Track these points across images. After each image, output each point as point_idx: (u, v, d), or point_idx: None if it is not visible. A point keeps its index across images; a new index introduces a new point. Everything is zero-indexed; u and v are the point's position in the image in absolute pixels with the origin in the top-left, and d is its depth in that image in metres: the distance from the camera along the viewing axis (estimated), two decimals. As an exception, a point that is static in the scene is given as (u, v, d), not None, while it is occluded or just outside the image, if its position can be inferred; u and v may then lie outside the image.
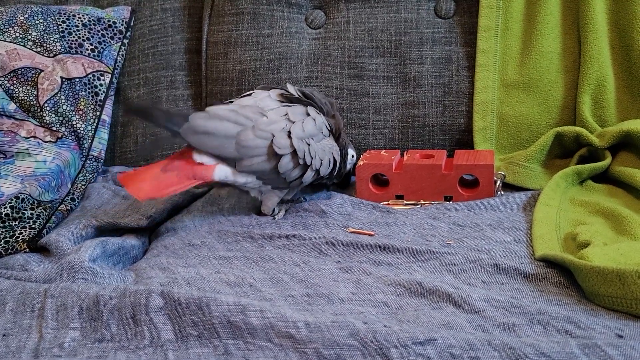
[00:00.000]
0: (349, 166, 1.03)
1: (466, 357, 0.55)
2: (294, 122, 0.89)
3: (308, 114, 0.91)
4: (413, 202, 0.98)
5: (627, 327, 0.60)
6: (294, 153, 0.88)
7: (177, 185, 0.85)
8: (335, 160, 0.94)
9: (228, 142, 0.86)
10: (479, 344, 0.56)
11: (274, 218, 0.93)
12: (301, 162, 0.89)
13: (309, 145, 0.90)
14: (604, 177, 1.00)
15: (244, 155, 0.87)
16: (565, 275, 0.70)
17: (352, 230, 0.86)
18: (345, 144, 0.99)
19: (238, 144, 0.86)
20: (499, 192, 0.98)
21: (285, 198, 0.95)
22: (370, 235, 0.84)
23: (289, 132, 0.88)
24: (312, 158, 0.90)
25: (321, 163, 0.91)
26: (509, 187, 1.00)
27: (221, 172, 0.87)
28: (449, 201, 0.97)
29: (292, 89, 0.93)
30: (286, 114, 0.89)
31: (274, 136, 0.87)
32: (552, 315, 0.61)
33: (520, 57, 1.11)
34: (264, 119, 0.88)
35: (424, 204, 0.97)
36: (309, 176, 0.92)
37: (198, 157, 0.86)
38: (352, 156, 1.02)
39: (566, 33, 1.10)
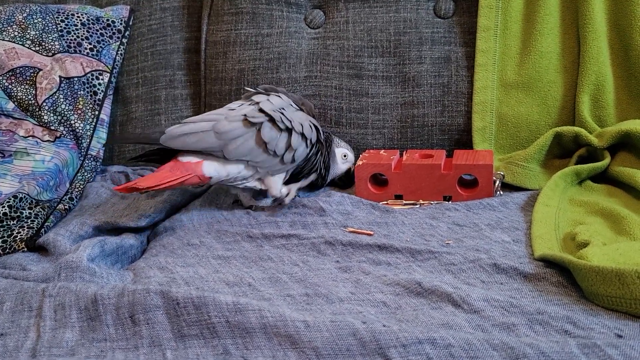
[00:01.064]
0: (343, 166, 1.03)
1: (465, 356, 0.55)
2: (261, 101, 0.93)
3: (279, 95, 0.96)
4: (412, 201, 0.98)
5: (627, 326, 0.60)
6: (272, 121, 0.90)
7: (171, 178, 0.86)
8: (316, 127, 0.95)
9: (206, 135, 0.88)
10: (478, 344, 0.56)
11: (284, 202, 0.94)
12: (282, 126, 0.90)
13: (282, 112, 0.92)
14: (603, 177, 1.00)
15: (226, 140, 0.88)
16: (565, 275, 0.70)
17: (351, 229, 0.86)
18: (329, 141, 1.01)
19: (216, 133, 0.88)
20: (498, 192, 0.98)
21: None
22: (369, 235, 0.84)
23: (260, 109, 0.91)
24: (290, 121, 0.91)
25: (302, 126, 0.92)
26: (508, 187, 1.00)
27: (210, 166, 0.89)
28: (448, 201, 0.97)
29: (250, 89, 0.98)
30: (251, 100, 0.94)
31: (246, 114, 0.90)
32: (551, 315, 0.61)
33: (519, 57, 1.11)
34: (231, 110, 0.92)
35: (423, 203, 0.97)
36: (297, 141, 0.92)
37: (183, 158, 0.89)
38: (345, 155, 1.02)
39: (565, 33, 1.10)
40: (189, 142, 0.88)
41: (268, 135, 0.90)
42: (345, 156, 1.03)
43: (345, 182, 1.05)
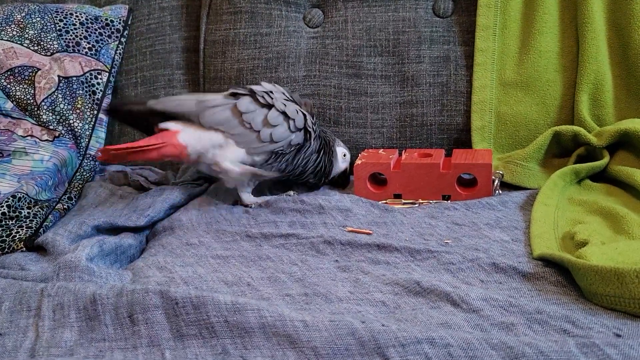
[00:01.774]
0: (342, 165, 1.03)
1: (464, 356, 0.55)
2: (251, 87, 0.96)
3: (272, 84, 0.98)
4: (411, 201, 0.98)
5: (626, 326, 0.60)
6: (254, 97, 0.92)
7: (145, 143, 0.89)
8: (305, 115, 0.95)
9: (188, 102, 0.92)
10: (477, 343, 0.56)
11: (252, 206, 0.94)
12: (262, 100, 0.92)
13: (268, 92, 0.94)
14: (601, 176, 1.00)
15: (204, 107, 0.91)
16: (563, 275, 0.70)
17: (351, 229, 0.86)
18: (329, 141, 1.01)
19: (197, 101, 0.92)
20: (497, 191, 0.98)
21: (266, 174, 0.96)
22: (368, 234, 0.84)
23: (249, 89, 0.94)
24: (272, 99, 0.93)
25: (285, 106, 0.93)
26: (507, 186, 1.00)
27: (186, 135, 0.91)
28: (447, 200, 0.97)
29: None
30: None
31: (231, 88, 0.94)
32: (550, 315, 0.61)
33: (518, 56, 1.11)
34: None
35: (422, 203, 0.97)
36: (276, 118, 0.92)
37: (163, 124, 0.92)
38: (344, 155, 1.03)
39: (564, 32, 1.10)
40: (169, 105, 0.92)
41: (245, 106, 0.91)
42: (344, 155, 1.03)
43: (340, 182, 1.05)
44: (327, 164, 1.00)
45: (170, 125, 0.92)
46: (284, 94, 0.97)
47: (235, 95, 0.93)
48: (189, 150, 0.91)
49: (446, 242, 0.80)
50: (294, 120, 0.93)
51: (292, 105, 0.95)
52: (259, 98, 0.92)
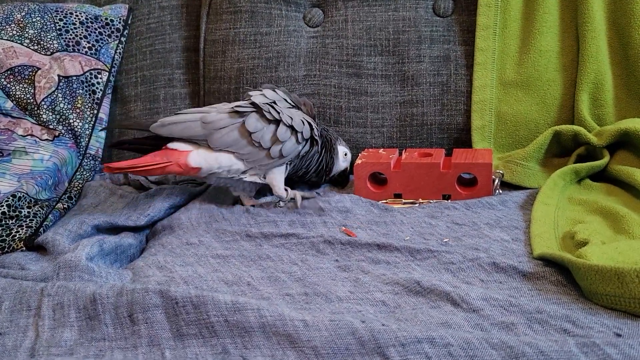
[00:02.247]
0: (343, 164, 1.03)
1: (464, 356, 0.55)
2: (253, 95, 0.94)
3: (274, 90, 0.97)
4: (411, 200, 0.98)
5: (626, 325, 0.60)
6: (260, 113, 0.91)
7: (148, 162, 0.89)
8: (310, 124, 0.95)
9: (193, 124, 0.90)
10: (477, 343, 0.56)
11: (287, 200, 0.94)
12: (269, 116, 0.91)
13: (272, 105, 0.92)
14: (602, 176, 1.00)
15: (211, 130, 0.90)
16: (564, 274, 0.70)
17: (344, 229, 0.86)
18: (332, 139, 1.01)
19: (203, 122, 0.90)
20: (497, 191, 0.98)
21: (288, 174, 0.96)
22: (354, 236, 0.83)
23: (251, 102, 0.93)
24: (279, 113, 0.91)
25: (292, 119, 0.92)
26: (507, 185, 1.00)
27: (197, 156, 0.90)
28: (447, 200, 0.97)
29: (251, 88, 1.01)
30: (248, 98, 0.95)
31: (234, 106, 0.92)
32: (550, 314, 0.61)
33: (518, 55, 1.11)
34: (225, 105, 0.94)
35: (422, 202, 0.97)
36: (285, 134, 0.91)
37: (172, 145, 0.91)
38: (345, 154, 1.03)
39: (564, 32, 1.10)
40: (175, 130, 0.90)
41: (253, 125, 0.90)
42: (345, 155, 1.03)
43: (339, 181, 1.05)
44: (329, 161, 1.00)
45: (180, 146, 0.91)
46: (285, 100, 0.96)
47: (239, 113, 0.91)
48: (203, 172, 0.92)
49: (445, 241, 0.80)
50: (301, 133, 0.93)
51: (297, 115, 0.94)
52: (266, 114, 0.91)
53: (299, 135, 0.92)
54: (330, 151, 1.00)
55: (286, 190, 0.95)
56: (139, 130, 0.95)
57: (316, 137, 0.96)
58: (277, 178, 0.94)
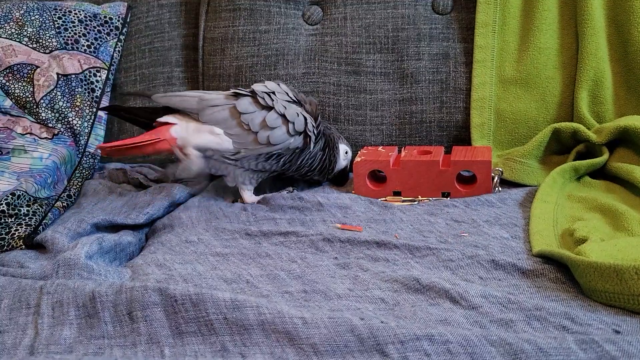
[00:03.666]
0: (343, 162, 1.03)
1: (463, 353, 0.55)
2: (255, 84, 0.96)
3: (277, 83, 0.98)
4: (410, 198, 0.98)
5: (624, 322, 0.60)
6: (255, 98, 0.93)
7: (141, 139, 0.93)
8: (305, 118, 0.95)
9: (191, 99, 0.93)
10: (476, 340, 0.56)
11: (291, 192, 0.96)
12: (262, 102, 0.92)
13: (269, 93, 0.94)
14: (601, 173, 1.00)
15: (205, 105, 0.92)
16: (563, 271, 0.70)
17: (342, 226, 0.86)
18: (334, 138, 1.01)
19: (199, 99, 0.93)
20: (496, 189, 0.98)
21: (265, 170, 0.96)
22: (359, 230, 0.84)
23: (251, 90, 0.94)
24: (273, 101, 0.93)
25: (285, 109, 0.93)
26: (506, 183, 1.00)
27: (179, 128, 0.92)
28: (447, 197, 0.97)
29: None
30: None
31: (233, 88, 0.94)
32: (549, 311, 0.61)
33: (517, 53, 1.11)
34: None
35: (421, 200, 0.97)
36: (275, 121, 0.92)
37: (163, 118, 0.94)
38: (346, 152, 1.03)
39: (564, 29, 1.10)
40: (173, 100, 0.94)
41: (244, 107, 0.92)
42: (346, 153, 1.04)
43: (339, 179, 1.05)
44: (332, 160, 1.00)
45: (168, 118, 0.93)
46: (287, 94, 0.96)
47: (236, 96, 0.94)
48: (178, 141, 0.93)
49: (462, 235, 0.80)
50: (293, 123, 0.93)
51: (294, 107, 0.95)
52: (259, 99, 0.92)
53: (291, 125, 0.92)
54: (333, 149, 1.00)
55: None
56: (142, 96, 0.99)
57: (310, 133, 0.95)
58: (245, 194, 0.97)
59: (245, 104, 0.92)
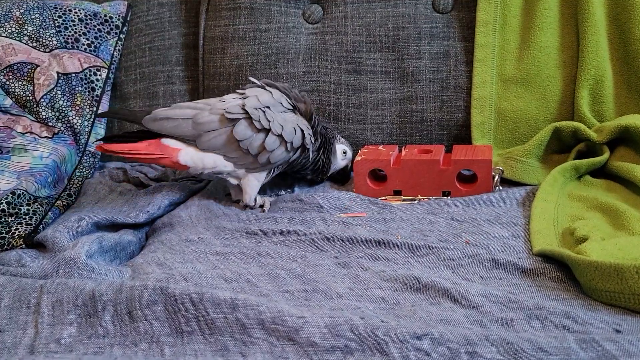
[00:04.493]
0: (342, 162, 1.03)
1: (464, 352, 0.55)
2: (248, 97, 0.93)
3: (269, 92, 0.95)
4: (411, 197, 0.97)
5: (625, 322, 0.60)
6: (250, 120, 0.90)
7: (144, 151, 0.90)
8: (302, 131, 0.93)
9: (185, 123, 0.90)
10: (477, 339, 0.56)
11: (256, 207, 0.94)
12: (258, 125, 0.90)
13: (264, 111, 0.91)
14: (601, 172, 1.00)
15: (200, 131, 0.90)
16: (563, 270, 0.69)
17: (346, 215, 0.86)
18: (330, 138, 1.00)
19: (194, 122, 0.90)
20: (497, 188, 0.98)
21: (266, 182, 0.96)
22: (362, 215, 0.84)
23: (243, 105, 0.91)
24: (269, 122, 0.91)
25: (282, 128, 0.91)
26: (506, 182, 1.00)
27: (186, 155, 0.91)
28: (447, 196, 0.96)
29: (255, 80, 0.98)
30: (243, 94, 0.94)
31: (225, 110, 0.91)
32: (549, 310, 0.61)
33: (518, 52, 1.11)
34: (221, 102, 0.93)
35: (422, 199, 0.97)
36: (273, 143, 0.91)
37: (165, 140, 0.91)
38: (344, 152, 1.02)
39: (564, 28, 1.10)
40: (166, 127, 0.90)
41: (242, 133, 0.90)
42: (344, 152, 1.03)
43: (339, 179, 1.05)
44: (326, 162, 1.00)
45: (171, 142, 0.91)
46: (281, 104, 0.94)
47: (229, 120, 0.90)
48: (191, 170, 0.93)
49: (466, 242, 0.79)
50: (291, 143, 0.92)
51: (290, 120, 0.92)
52: (255, 123, 0.90)
53: (289, 145, 0.92)
54: (327, 151, 0.99)
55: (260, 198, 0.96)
56: (131, 122, 0.96)
57: (307, 146, 0.94)
58: (251, 185, 0.94)
59: (242, 130, 0.90)
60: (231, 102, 0.92)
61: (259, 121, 0.90)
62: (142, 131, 0.92)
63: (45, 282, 0.69)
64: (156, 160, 0.92)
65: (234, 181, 0.95)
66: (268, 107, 0.92)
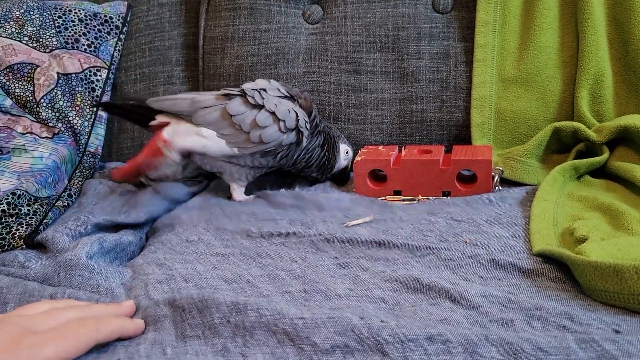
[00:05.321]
0: (344, 162, 1.03)
1: (463, 352, 0.55)
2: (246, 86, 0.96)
3: (268, 80, 0.98)
4: (411, 197, 0.98)
5: (624, 322, 0.60)
6: (245, 97, 0.93)
7: (147, 152, 0.95)
8: (297, 114, 0.95)
9: (183, 102, 0.93)
10: (476, 339, 0.56)
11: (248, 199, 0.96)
12: (252, 101, 0.92)
13: (260, 91, 0.94)
14: (601, 172, 1.00)
15: (197, 107, 0.92)
16: (563, 271, 0.70)
17: (351, 224, 0.86)
18: (334, 136, 1.01)
19: (192, 101, 0.93)
20: (496, 188, 0.98)
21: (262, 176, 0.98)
22: (369, 218, 0.84)
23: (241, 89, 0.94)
24: (263, 99, 0.93)
25: (276, 106, 0.93)
26: (506, 182, 1.00)
27: (171, 130, 0.93)
28: (447, 196, 0.97)
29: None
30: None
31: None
32: (549, 311, 0.61)
33: (518, 52, 1.11)
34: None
35: (421, 199, 0.97)
36: (266, 120, 0.92)
37: (159, 117, 0.95)
38: (347, 152, 1.03)
39: (564, 28, 1.10)
40: (165, 104, 0.94)
41: (235, 108, 0.92)
42: (347, 152, 1.04)
43: (340, 179, 1.05)
44: (332, 158, 1.01)
45: (161, 118, 0.94)
46: (279, 90, 0.97)
47: (227, 96, 0.94)
48: (170, 144, 0.94)
49: (465, 242, 0.79)
50: (284, 121, 0.93)
51: (285, 104, 0.94)
52: (249, 99, 0.92)
53: (282, 123, 0.93)
54: (333, 148, 1.00)
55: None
56: (137, 102, 0.98)
57: (302, 129, 0.95)
58: (236, 191, 0.97)
59: (235, 105, 0.92)
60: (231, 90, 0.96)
61: (253, 97, 0.92)
62: (140, 106, 0.96)
63: (56, 291, 0.69)
64: (154, 150, 0.94)
65: (212, 167, 0.96)
66: (264, 90, 0.95)
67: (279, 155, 0.96)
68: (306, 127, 0.96)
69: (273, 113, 0.92)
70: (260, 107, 0.92)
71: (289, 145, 0.95)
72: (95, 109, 1.16)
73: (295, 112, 0.95)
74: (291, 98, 0.97)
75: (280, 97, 0.96)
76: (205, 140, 0.93)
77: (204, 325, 0.61)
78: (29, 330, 0.55)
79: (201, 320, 0.62)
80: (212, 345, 0.60)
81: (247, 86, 0.96)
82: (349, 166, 1.05)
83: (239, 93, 0.94)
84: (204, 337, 0.61)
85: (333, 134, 1.02)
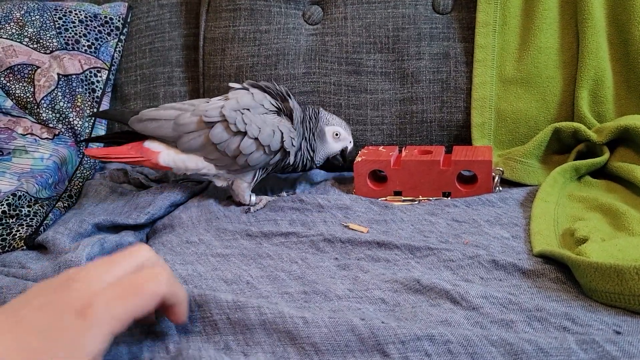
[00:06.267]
0: (335, 145, 1.00)
1: (464, 353, 0.55)
2: (230, 99, 0.93)
3: (251, 93, 0.95)
4: (411, 198, 0.98)
5: (625, 323, 0.60)
6: (226, 123, 0.91)
7: (124, 155, 0.93)
8: (282, 133, 0.93)
9: (167, 124, 0.91)
10: (477, 340, 0.56)
11: (252, 204, 0.95)
12: (234, 128, 0.90)
13: (243, 113, 0.91)
14: (602, 173, 1.00)
15: (180, 132, 0.91)
16: (563, 271, 0.70)
17: (351, 226, 0.86)
18: (315, 121, 0.98)
19: (175, 124, 0.91)
20: (497, 188, 0.98)
21: (259, 181, 0.97)
22: (364, 231, 0.84)
23: (222, 107, 0.92)
24: (245, 124, 0.90)
25: (260, 131, 0.91)
26: (507, 183, 1.00)
27: (167, 156, 0.92)
28: (447, 197, 0.97)
29: (235, 84, 0.98)
30: (227, 98, 0.94)
31: (203, 113, 0.91)
32: (549, 312, 0.61)
33: (518, 52, 1.11)
34: (205, 104, 0.93)
35: (422, 200, 0.97)
36: (249, 147, 0.91)
37: (147, 143, 0.93)
38: (336, 134, 1.00)
39: (564, 28, 1.10)
40: (149, 128, 0.92)
41: (217, 137, 0.90)
42: (337, 134, 1.00)
43: (337, 163, 1.03)
44: (310, 150, 0.98)
45: (152, 145, 0.93)
46: (262, 106, 0.93)
47: (207, 123, 0.91)
48: (174, 170, 0.94)
49: (465, 243, 0.79)
50: (268, 146, 0.92)
51: (270, 124, 0.92)
52: (231, 126, 0.90)
53: (266, 148, 0.92)
54: (310, 140, 0.97)
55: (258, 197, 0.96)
56: (120, 122, 0.98)
57: (287, 149, 0.94)
58: (241, 187, 0.95)
59: (218, 133, 0.90)
60: (214, 104, 0.93)
61: (235, 124, 0.90)
62: (129, 132, 0.94)
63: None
64: (138, 163, 0.94)
65: (219, 182, 0.96)
66: (248, 109, 0.92)
67: (270, 168, 0.96)
68: (292, 144, 0.94)
69: (257, 139, 0.91)
70: (243, 133, 0.90)
71: (277, 162, 0.95)
72: (95, 110, 1.16)
73: (280, 131, 0.92)
74: (277, 110, 0.95)
75: (266, 113, 0.93)
76: (194, 164, 0.93)
77: (204, 321, 0.61)
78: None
79: (200, 315, 0.62)
80: (214, 342, 0.60)
81: (229, 106, 0.91)
82: (348, 148, 1.02)
83: (219, 118, 0.90)
84: (205, 333, 0.61)
85: (312, 122, 0.98)
